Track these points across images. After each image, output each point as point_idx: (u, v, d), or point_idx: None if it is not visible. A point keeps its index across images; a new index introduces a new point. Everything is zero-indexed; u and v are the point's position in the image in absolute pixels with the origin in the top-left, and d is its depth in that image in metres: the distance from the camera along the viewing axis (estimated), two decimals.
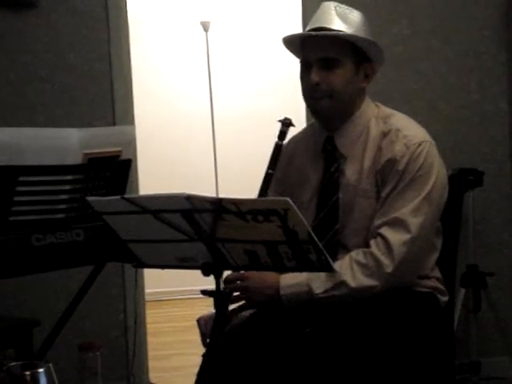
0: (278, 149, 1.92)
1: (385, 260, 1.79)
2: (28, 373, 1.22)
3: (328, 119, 1.97)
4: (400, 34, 3.45)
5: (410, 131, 1.91)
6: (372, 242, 1.82)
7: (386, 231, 1.82)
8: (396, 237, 1.80)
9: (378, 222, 1.84)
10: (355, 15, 1.93)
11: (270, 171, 1.93)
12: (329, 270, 1.40)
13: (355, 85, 1.93)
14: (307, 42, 1.93)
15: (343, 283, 1.77)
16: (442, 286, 1.97)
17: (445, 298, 1.97)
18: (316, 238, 1.34)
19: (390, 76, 3.43)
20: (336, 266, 1.72)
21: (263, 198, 1.51)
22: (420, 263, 1.89)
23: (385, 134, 1.91)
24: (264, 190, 1.91)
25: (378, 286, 1.79)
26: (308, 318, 1.83)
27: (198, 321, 1.95)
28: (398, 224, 1.81)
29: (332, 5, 1.93)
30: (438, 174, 1.88)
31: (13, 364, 1.26)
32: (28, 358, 2.55)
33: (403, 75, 3.45)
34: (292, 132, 2.11)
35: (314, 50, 1.90)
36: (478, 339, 3.32)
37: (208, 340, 1.81)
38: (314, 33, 1.90)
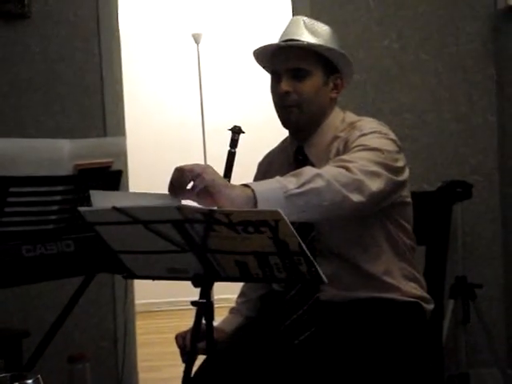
0: (231, 156, 1.93)
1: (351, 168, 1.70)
2: None
3: (298, 129, 1.98)
4: (390, 48, 3.48)
5: (368, 124, 1.90)
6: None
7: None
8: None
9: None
10: (323, 28, 1.97)
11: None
12: (320, 281, 1.40)
13: (324, 95, 1.95)
14: (277, 53, 1.97)
15: (318, 175, 1.64)
16: (426, 294, 1.97)
17: (430, 307, 1.97)
18: (307, 250, 1.34)
19: (380, 89, 3.46)
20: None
21: (254, 209, 1.50)
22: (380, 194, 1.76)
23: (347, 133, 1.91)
24: None
25: (353, 179, 1.68)
26: (296, 330, 1.84)
27: (176, 337, 1.95)
28: (342, 161, 1.74)
29: (301, 19, 1.98)
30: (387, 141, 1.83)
31: (2, 375, 1.26)
32: (17, 368, 2.54)
33: (393, 88, 3.48)
34: (270, 146, 2.15)
35: (284, 61, 1.94)
36: (467, 351, 3.34)
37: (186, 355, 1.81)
38: (283, 43, 1.94)
